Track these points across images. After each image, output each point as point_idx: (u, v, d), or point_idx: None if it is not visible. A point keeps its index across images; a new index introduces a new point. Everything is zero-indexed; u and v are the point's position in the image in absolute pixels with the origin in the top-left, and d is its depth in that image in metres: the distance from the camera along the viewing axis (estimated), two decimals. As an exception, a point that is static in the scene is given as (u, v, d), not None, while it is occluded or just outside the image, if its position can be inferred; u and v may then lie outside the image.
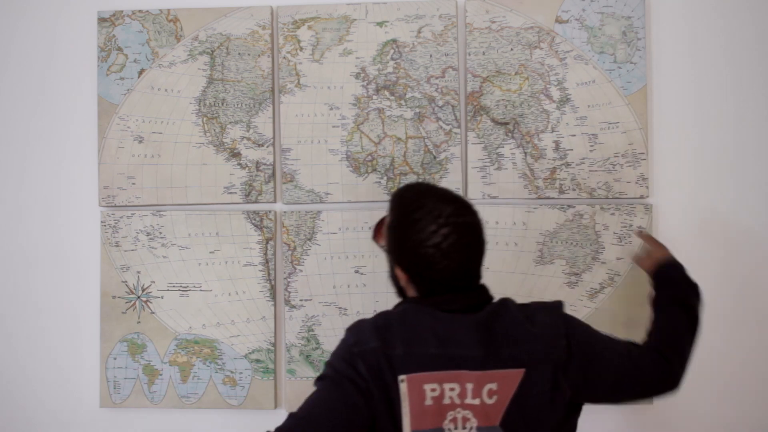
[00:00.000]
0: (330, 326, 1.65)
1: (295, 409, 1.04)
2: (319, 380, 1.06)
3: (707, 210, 1.66)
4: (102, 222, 1.70)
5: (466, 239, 1.05)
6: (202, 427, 1.70)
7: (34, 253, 1.75)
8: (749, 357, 1.66)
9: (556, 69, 1.65)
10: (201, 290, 1.68)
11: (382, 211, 1.36)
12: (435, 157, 1.66)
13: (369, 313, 1.36)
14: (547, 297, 1.62)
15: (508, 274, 1.64)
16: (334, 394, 1.02)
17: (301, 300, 1.66)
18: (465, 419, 1.01)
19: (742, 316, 1.66)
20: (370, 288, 1.65)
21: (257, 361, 1.67)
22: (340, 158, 1.67)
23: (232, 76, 1.69)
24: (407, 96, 1.67)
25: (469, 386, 1.01)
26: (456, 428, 1.01)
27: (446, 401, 1.01)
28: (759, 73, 1.67)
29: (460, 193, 1.65)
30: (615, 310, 1.62)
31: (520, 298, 1.17)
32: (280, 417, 1.01)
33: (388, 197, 1.39)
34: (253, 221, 1.68)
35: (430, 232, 1.04)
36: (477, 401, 1.01)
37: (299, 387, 1.65)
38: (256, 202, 1.69)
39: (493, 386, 1.01)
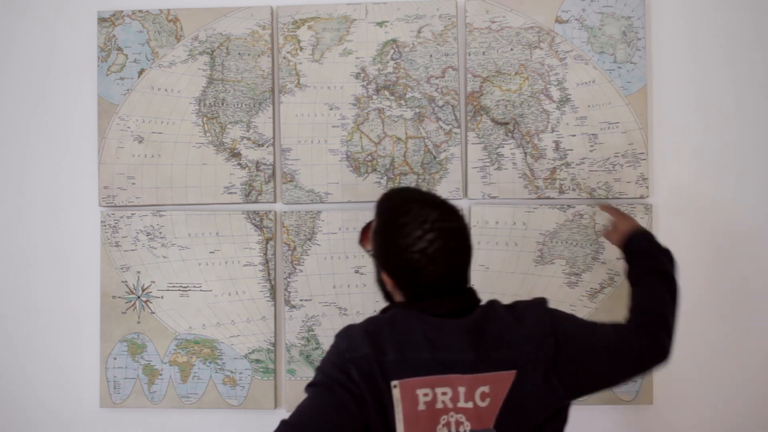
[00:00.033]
0: (330, 326, 1.65)
1: (294, 408, 1.04)
2: (310, 387, 1.05)
3: (707, 210, 1.66)
4: (102, 222, 1.70)
5: (451, 244, 1.05)
6: (202, 427, 1.70)
7: (34, 253, 1.75)
8: (749, 357, 1.66)
9: (556, 69, 1.65)
10: (201, 290, 1.68)
11: (382, 211, 1.36)
12: (435, 157, 1.66)
13: (369, 313, 1.36)
14: (547, 297, 1.61)
15: (508, 274, 1.64)
16: (326, 400, 1.01)
17: (301, 300, 1.66)
18: (458, 423, 1.01)
19: (742, 315, 1.66)
20: (370, 288, 1.65)
21: (257, 361, 1.67)
22: (340, 158, 1.67)
23: (232, 76, 1.69)
24: (407, 96, 1.67)
25: (462, 390, 1.01)
26: None
27: (439, 406, 1.01)
28: (759, 73, 1.67)
29: (460, 193, 1.65)
30: (615, 310, 1.61)
31: (520, 298, 1.17)
32: (280, 417, 1.01)
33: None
34: (253, 221, 1.68)
35: (415, 237, 1.04)
36: (470, 404, 1.01)
37: (299, 387, 1.65)
38: (256, 202, 1.69)
39: (486, 389, 1.02)
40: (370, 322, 1.08)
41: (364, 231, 1.28)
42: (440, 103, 1.66)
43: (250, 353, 1.67)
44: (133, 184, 1.70)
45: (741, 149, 1.67)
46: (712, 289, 1.66)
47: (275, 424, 1.01)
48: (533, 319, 1.07)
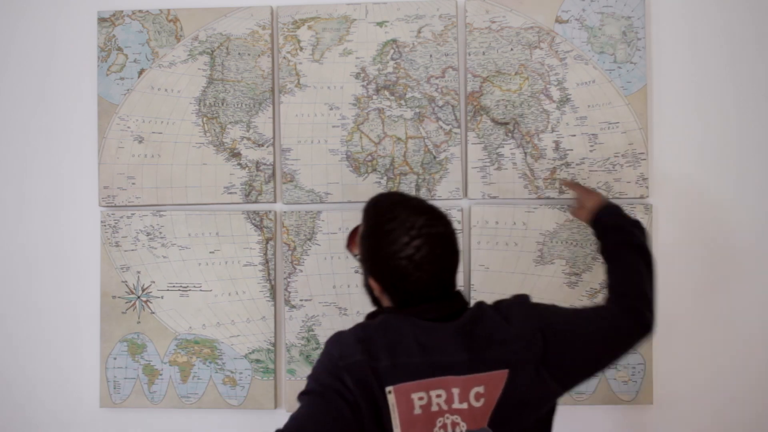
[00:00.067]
0: (330, 326, 1.65)
1: (294, 409, 1.04)
2: (303, 395, 1.04)
3: (707, 210, 1.66)
4: (102, 222, 1.70)
5: (438, 250, 1.05)
6: (202, 427, 1.70)
7: (34, 253, 1.75)
8: (749, 356, 1.66)
9: (556, 69, 1.65)
10: (201, 290, 1.68)
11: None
12: (435, 157, 1.66)
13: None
14: (547, 297, 1.62)
15: (508, 274, 1.64)
16: (321, 408, 1.00)
17: (301, 300, 1.67)
18: (454, 424, 1.02)
19: (742, 315, 1.66)
20: (370, 288, 1.65)
21: (257, 361, 1.67)
22: (340, 158, 1.67)
23: (232, 76, 1.69)
24: (407, 96, 1.67)
25: (456, 391, 1.02)
26: None
27: (434, 408, 1.01)
28: (759, 73, 1.67)
29: (460, 193, 1.65)
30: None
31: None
32: (279, 417, 1.01)
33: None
34: (253, 221, 1.68)
35: (402, 243, 1.03)
36: (464, 405, 1.02)
37: (299, 387, 1.64)
38: (256, 202, 1.69)
39: (480, 389, 1.02)
40: (360, 328, 1.08)
41: (352, 235, 1.28)
42: (440, 103, 1.66)
43: (250, 353, 1.67)
44: (133, 184, 1.70)
45: (741, 149, 1.67)
46: (712, 289, 1.66)
47: (275, 424, 1.01)
48: (520, 317, 1.07)
